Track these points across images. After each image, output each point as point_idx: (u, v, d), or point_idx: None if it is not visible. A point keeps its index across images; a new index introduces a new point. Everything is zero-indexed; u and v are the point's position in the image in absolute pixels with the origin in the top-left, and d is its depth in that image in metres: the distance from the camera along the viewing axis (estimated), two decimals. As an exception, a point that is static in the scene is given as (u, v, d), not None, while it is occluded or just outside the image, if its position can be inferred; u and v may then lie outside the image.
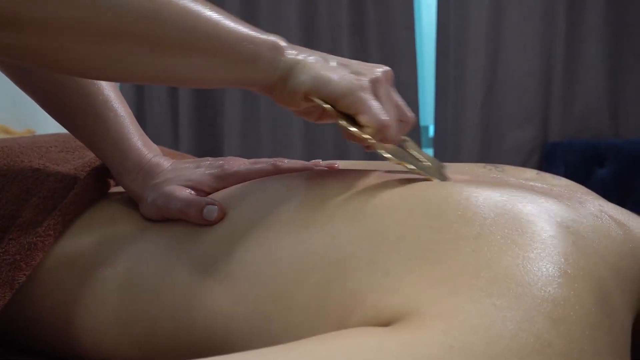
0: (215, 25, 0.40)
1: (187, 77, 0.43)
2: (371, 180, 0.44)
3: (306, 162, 0.54)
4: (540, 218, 0.37)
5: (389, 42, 2.09)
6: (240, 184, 0.50)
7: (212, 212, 0.45)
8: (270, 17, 2.18)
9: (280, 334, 0.38)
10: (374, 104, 0.43)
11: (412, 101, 2.10)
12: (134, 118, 0.55)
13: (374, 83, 0.44)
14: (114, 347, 0.46)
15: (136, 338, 0.45)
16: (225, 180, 0.51)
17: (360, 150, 2.17)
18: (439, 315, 0.31)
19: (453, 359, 0.29)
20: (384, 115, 0.43)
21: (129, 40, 0.37)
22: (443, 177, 0.46)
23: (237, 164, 0.52)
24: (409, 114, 0.48)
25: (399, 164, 0.44)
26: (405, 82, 2.09)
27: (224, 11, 0.42)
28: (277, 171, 0.52)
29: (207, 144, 2.27)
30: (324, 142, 2.21)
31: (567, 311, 0.32)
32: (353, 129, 0.43)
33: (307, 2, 2.14)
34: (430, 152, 2.19)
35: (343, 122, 0.43)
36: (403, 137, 0.49)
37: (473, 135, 2.04)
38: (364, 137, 0.43)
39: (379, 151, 0.44)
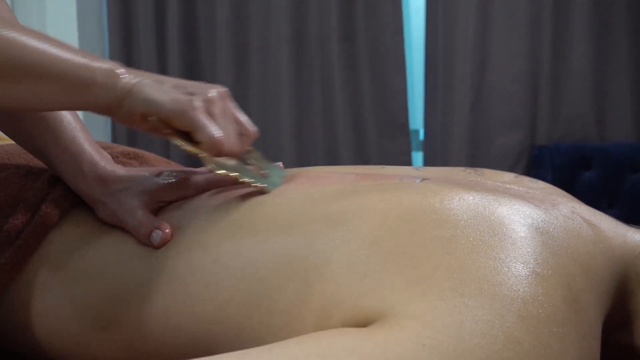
0: (45, 54, 0.44)
1: (28, 103, 0.46)
2: (346, 185, 0.46)
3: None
4: (511, 220, 0.39)
5: (378, 49, 2.11)
6: (205, 194, 0.52)
7: (157, 237, 0.47)
8: (261, 24, 2.19)
9: (263, 337, 0.39)
10: (206, 122, 0.45)
11: (402, 106, 2.13)
12: (84, 126, 0.56)
13: (207, 102, 0.47)
14: (102, 352, 0.47)
15: (122, 343, 0.45)
16: (185, 189, 0.53)
17: (351, 154, 2.18)
18: (412, 315, 0.33)
19: (425, 357, 0.30)
20: (216, 132, 0.45)
21: None
22: (275, 184, 0.49)
23: (197, 173, 0.54)
24: (250, 127, 0.50)
25: (227, 176, 0.48)
26: (395, 88, 2.12)
27: (62, 42, 0.46)
28: (235, 181, 0.54)
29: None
30: (313, 146, 2.22)
31: (536, 309, 0.33)
32: (186, 147, 0.46)
33: (297, 8, 2.15)
34: (420, 155, 2.22)
35: (177, 141, 0.47)
36: (247, 149, 0.52)
37: (462, 140, 2.07)
38: (196, 153, 0.47)
39: (207, 166, 0.47)
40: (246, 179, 0.48)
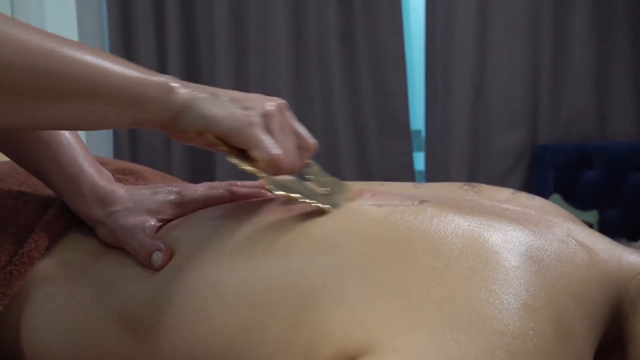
0: (101, 70, 0.40)
1: (78, 122, 0.43)
2: (340, 209, 0.45)
3: (260, 189, 0.55)
4: (505, 248, 0.38)
5: (377, 48, 2.10)
6: (204, 213, 0.51)
7: (158, 259, 0.46)
8: (259, 24, 2.18)
9: None
10: (264, 139, 0.44)
11: (402, 106, 2.12)
12: (84, 144, 0.55)
13: (265, 117, 0.45)
14: None
15: None
16: (184, 207, 0.52)
17: (352, 155, 2.17)
18: (399, 349, 0.32)
19: None
20: (274, 149, 0.44)
21: (17, 94, 0.38)
22: (336, 205, 0.47)
23: (194, 190, 0.53)
24: (310, 140, 0.49)
25: (287, 197, 0.45)
26: (395, 87, 2.11)
27: (111, 55, 0.43)
28: (233, 198, 0.53)
29: (199, 159, 2.28)
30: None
31: (526, 344, 0.33)
32: (244, 166, 0.45)
33: (296, 8, 2.14)
34: (421, 155, 2.21)
35: (234, 160, 0.45)
36: (307, 162, 0.50)
37: (463, 139, 2.06)
38: (255, 173, 0.45)
39: (266, 186, 0.45)
40: (308, 201, 0.45)
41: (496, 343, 0.32)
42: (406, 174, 2.16)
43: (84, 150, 0.54)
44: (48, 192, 0.57)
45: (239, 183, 0.56)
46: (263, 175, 0.45)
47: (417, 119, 2.21)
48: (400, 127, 2.14)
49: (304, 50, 2.17)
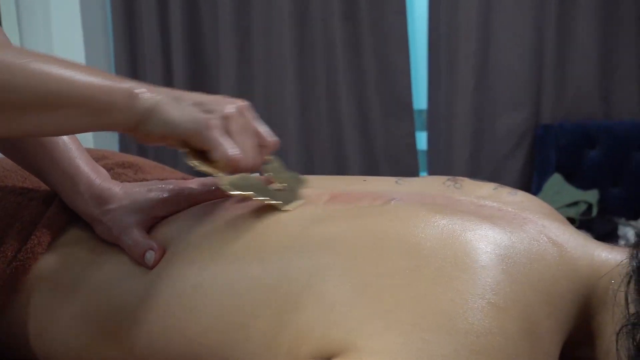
0: (67, 81, 0.43)
1: (50, 130, 0.47)
2: (319, 210, 0.47)
3: None
4: (475, 248, 0.40)
5: (381, 28, 2.09)
6: (195, 210, 0.54)
7: (151, 257, 0.49)
8: (263, 4, 2.18)
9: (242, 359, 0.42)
10: (222, 141, 0.46)
11: (405, 86, 2.12)
12: (80, 144, 0.57)
13: (225, 119, 0.47)
14: None
15: (118, 358, 0.48)
16: (177, 205, 0.55)
17: (356, 135, 2.18)
18: (373, 350, 0.35)
19: None
20: (232, 150, 0.46)
21: None
22: (295, 200, 0.50)
23: (187, 187, 0.56)
24: (269, 138, 0.51)
25: (242, 196, 0.48)
26: (398, 67, 2.11)
27: (79, 65, 0.45)
28: (224, 194, 0.55)
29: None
30: (318, 128, 2.22)
31: (490, 342, 0.35)
32: (202, 167, 0.47)
33: (299, -12, 2.13)
34: (424, 136, 2.21)
35: (193, 162, 0.48)
36: (267, 158, 0.53)
37: (466, 119, 2.06)
38: (212, 173, 0.48)
39: (221, 186, 0.48)
40: (260, 198, 0.49)
41: (461, 342, 0.35)
42: (409, 153, 2.17)
43: (79, 149, 0.56)
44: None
45: None
46: (219, 175, 0.48)
47: (420, 98, 2.21)
48: (403, 107, 2.14)
49: (308, 31, 2.16)
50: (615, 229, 1.75)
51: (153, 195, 0.54)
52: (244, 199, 0.51)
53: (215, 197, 0.56)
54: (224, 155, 0.46)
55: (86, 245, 0.54)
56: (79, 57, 2.21)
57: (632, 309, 0.41)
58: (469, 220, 0.43)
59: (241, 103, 0.50)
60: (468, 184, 0.57)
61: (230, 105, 0.49)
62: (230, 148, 0.47)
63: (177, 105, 0.47)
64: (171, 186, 0.56)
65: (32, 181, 0.60)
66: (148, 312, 0.47)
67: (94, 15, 2.31)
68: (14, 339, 0.53)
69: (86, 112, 0.44)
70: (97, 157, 0.67)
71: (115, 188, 0.55)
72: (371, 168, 2.22)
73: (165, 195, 0.55)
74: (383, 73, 2.13)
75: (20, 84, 0.42)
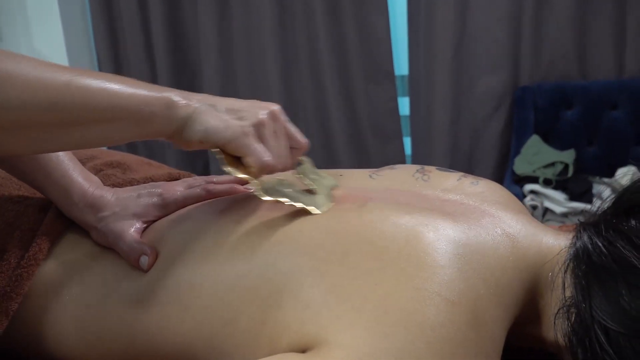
0: (113, 96, 0.45)
1: (95, 142, 0.49)
2: (300, 212, 0.52)
3: (234, 185, 0.61)
4: (434, 248, 0.45)
5: (360, -5, 2.09)
6: (184, 212, 0.58)
7: (145, 261, 0.53)
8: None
9: (230, 351, 0.47)
10: (256, 147, 0.50)
11: (386, 52, 2.14)
12: (72, 155, 0.60)
13: (257, 127, 0.50)
14: None
15: (118, 356, 0.53)
16: (166, 208, 0.58)
17: (339, 102, 2.21)
18: (340, 345, 0.40)
19: None
20: (265, 156, 0.50)
21: (38, 128, 0.44)
22: (325, 203, 0.53)
23: (174, 190, 0.60)
24: (301, 140, 0.54)
25: (275, 202, 0.51)
26: (378, 34, 2.12)
27: (123, 78, 0.47)
28: (210, 196, 0.59)
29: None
30: (302, 96, 2.25)
31: (442, 334, 0.41)
32: (237, 173, 0.50)
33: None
34: (406, 101, 2.25)
35: (228, 168, 0.51)
36: (300, 159, 0.56)
37: (445, 83, 2.09)
38: (247, 179, 0.51)
39: (256, 193, 0.51)
40: (293, 203, 0.51)
41: (417, 334, 0.40)
42: (392, 119, 2.21)
43: (72, 160, 0.59)
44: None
45: (215, 179, 0.62)
46: (254, 182, 0.51)
47: (401, 64, 2.23)
48: (385, 73, 2.16)
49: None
50: (591, 187, 1.82)
51: (143, 201, 0.58)
52: (258, 201, 0.54)
53: (200, 199, 0.60)
54: (257, 162, 0.50)
55: (83, 250, 0.58)
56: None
57: (567, 293, 0.47)
58: (433, 219, 0.48)
59: (273, 107, 0.53)
60: (435, 175, 0.60)
61: (263, 111, 0.51)
62: (264, 154, 0.50)
63: (214, 113, 0.50)
64: (159, 191, 0.59)
65: (27, 189, 0.63)
66: (145, 312, 0.51)
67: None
68: (28, 340, 0.58)
69: (130, 124, 0.47)
70: (87, 157, 0.71)
71: (108, 195, 0.59)
72: (355, 135, 2.25)
73: (154, 200, 0.59)
74: (364, 40, 2.14)
75: (69, 103, 0.44)
